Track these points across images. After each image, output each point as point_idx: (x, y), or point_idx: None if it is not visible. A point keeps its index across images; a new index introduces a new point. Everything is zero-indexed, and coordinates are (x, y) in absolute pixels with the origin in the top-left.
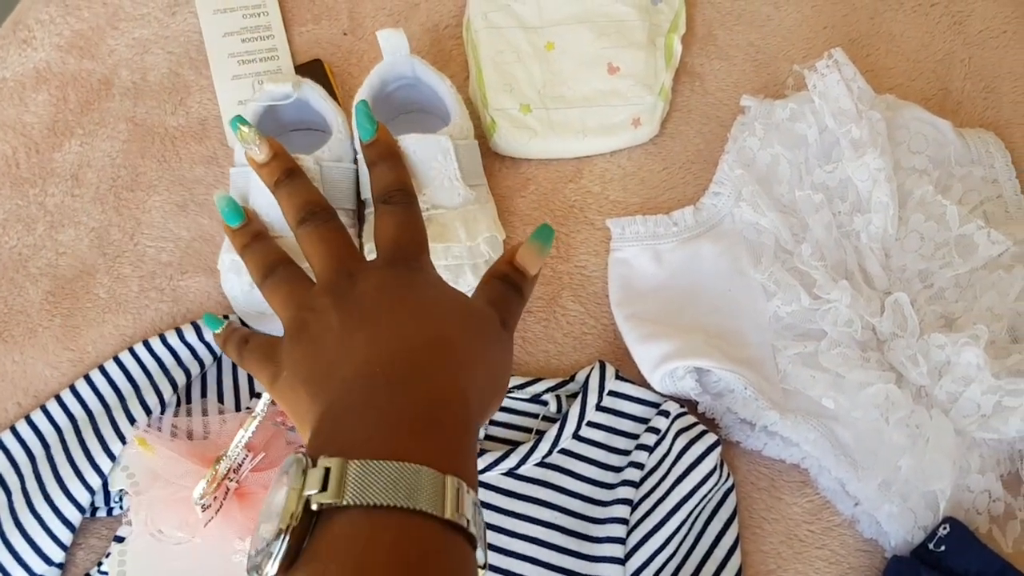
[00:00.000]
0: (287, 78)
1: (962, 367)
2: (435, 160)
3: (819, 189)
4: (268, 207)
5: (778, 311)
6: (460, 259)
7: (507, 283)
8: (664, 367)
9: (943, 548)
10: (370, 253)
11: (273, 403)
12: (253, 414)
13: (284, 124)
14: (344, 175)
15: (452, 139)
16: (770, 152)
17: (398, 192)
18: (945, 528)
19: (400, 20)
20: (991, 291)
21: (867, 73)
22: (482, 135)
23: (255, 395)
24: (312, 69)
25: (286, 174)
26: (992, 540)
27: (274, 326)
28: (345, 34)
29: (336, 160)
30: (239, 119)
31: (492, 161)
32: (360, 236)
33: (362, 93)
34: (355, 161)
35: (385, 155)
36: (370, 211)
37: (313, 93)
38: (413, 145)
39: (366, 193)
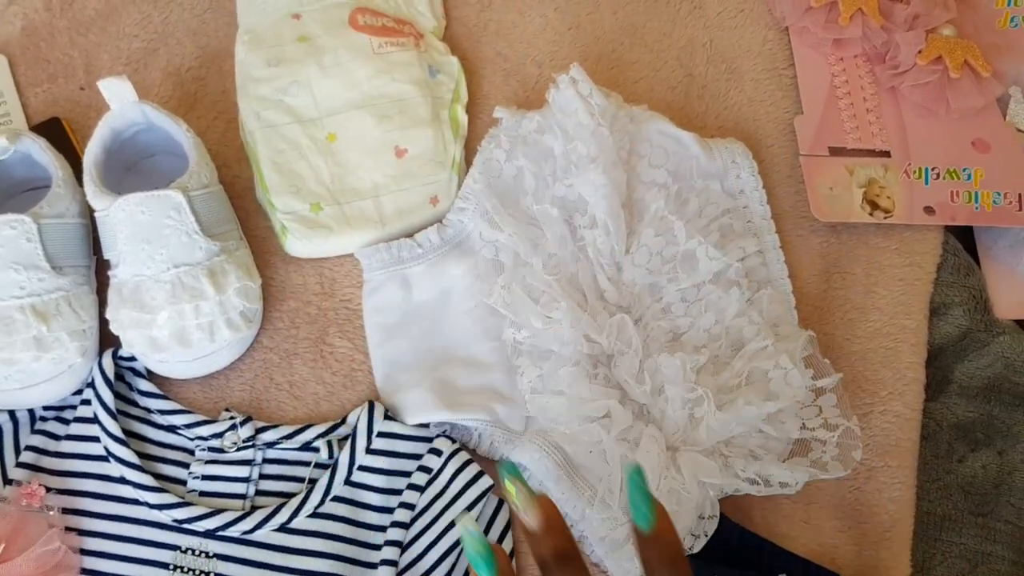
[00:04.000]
0: (2, 131)
1: (668, 384)
2: (167, 218)
3: (558, 203)
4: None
5: (515, 336)
6: (211, 315)
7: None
8: (413, 419)
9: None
10: (113, 322)
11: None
12: None
13: (14, 184)
14: (67, 231)
15: (186, 191)
16: (515, 164)
17: None
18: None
19: (139, 67)
20: (711, 311)
21: (613, 69)
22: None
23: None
24: (50, 128)
25: (556, 558)
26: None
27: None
28: (83, 88)
29: (57, 216)
30: (511, 468)
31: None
32: (96, 295)
33: (93, 145)
34: (83, 215)
35: (668, 560)
36: (112, 272)
37: (34, 145)
38: (139, 205)
39: (109, 253)
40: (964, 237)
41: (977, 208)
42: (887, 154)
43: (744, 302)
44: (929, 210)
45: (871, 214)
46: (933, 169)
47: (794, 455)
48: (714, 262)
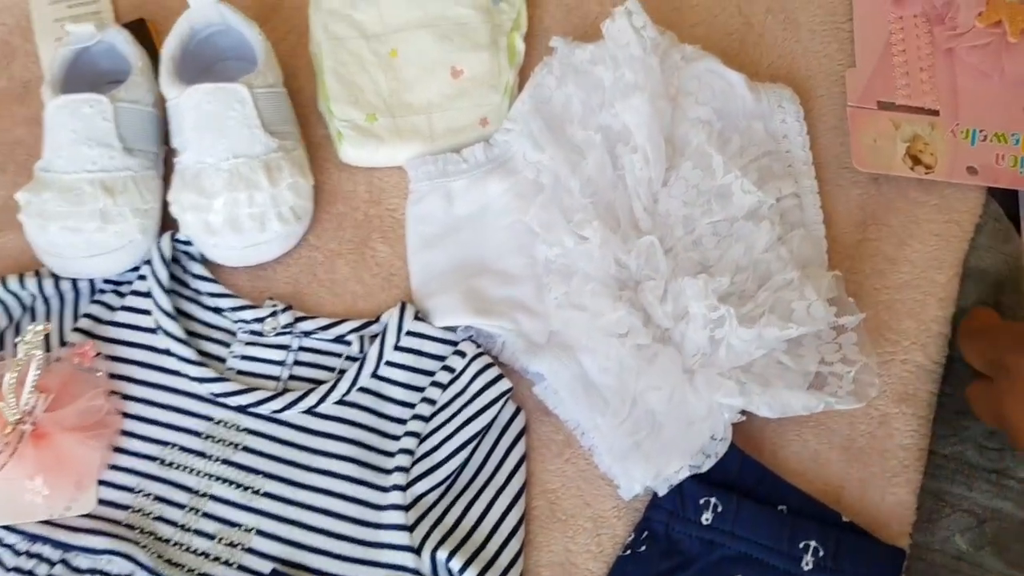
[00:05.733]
0: (90, 22)
1: (691, 302)
2: (231, 109)
3: (603, 131)
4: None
5: (547, 254)
6: (263, 206)
7: None
8: (442, 321)
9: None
10: (173, 204)
11: (66, 344)
12: (17, 359)
13: (99, 74)
14: (140, 116)
15: (251, 87)
16: (565, 92)
17: None
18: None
19: None
20: (741, 243)
21: (674, 11)
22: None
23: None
24: (136, 28)
25: None
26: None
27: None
28: None
29: (132, 101)
30: None
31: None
32: (161, 180)
33: (171, 39)
34: (157, 105)
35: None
36: (177, 159)
37: (119, 36)
38: (207, 95)
39: (176, 140)
40: (1008, 205)
41: (1022, 172)
42: (936, 112)
43: (775, 238)
44: (972, 170)
45: (912, 168)
46: (981, 131)
47: (811, 388)
48: (748, 196)
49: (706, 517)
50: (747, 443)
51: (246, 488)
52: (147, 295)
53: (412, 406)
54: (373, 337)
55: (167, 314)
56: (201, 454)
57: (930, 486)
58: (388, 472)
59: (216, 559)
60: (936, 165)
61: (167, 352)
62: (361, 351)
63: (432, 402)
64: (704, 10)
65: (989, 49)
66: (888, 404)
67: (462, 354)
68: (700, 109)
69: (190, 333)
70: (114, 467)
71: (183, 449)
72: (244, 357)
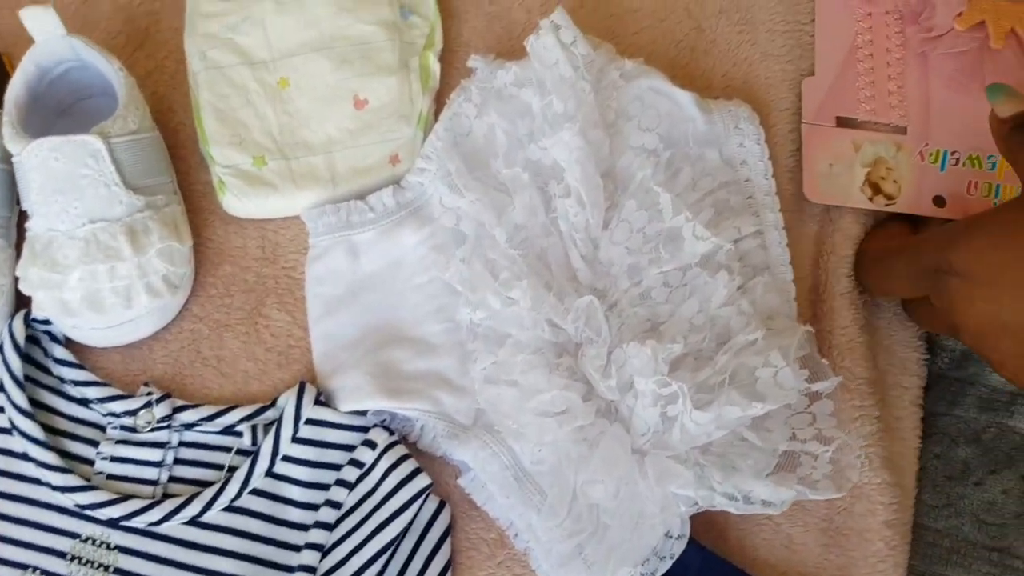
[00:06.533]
0: None
1: (637, 377)
2: (84, 166)
3: (532, 167)
4: None
5: (471, 317)
6: (128, 279)
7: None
8: (347, 406)
9: None
10: (22, 281)
11: None
12: None
13: None
14: None
15: (108, 137)
16: (487, 121)
17: None
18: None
19: None
20: (695, 297)
21: (612, 17)
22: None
23: None
24: None
25: None
26: None
27: None
28: None
29: None
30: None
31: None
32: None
33: (16, 83)
34: (5, 160)
35: None
36: (27, 224)
37: None
38: (53, 151)
39: (24, 203)
40: None
41: (995, 203)
42: (903, 131)
43: (734, 289)
44: (939, 200)
45: (871, 199)
46: (953, 153)
47: (780, 469)
48: (702, 243)
49: None
50: (709, 531)
51: None
52: None
53: (315, 509)
54: (268, 426)
55: (21, 411)
56: None
57: (921, 569)
58: None
59: None
60: (899, 195)
61: (24, 456)
62: (254, 444)
63: (338, 506)
64: (647, 15)
65: (968, 56)
66: (864, 471)
67: (372, 445)
68: (644, 136)
69: (53, 431)
70: None
71: (44, 573)
72: (115, 459)
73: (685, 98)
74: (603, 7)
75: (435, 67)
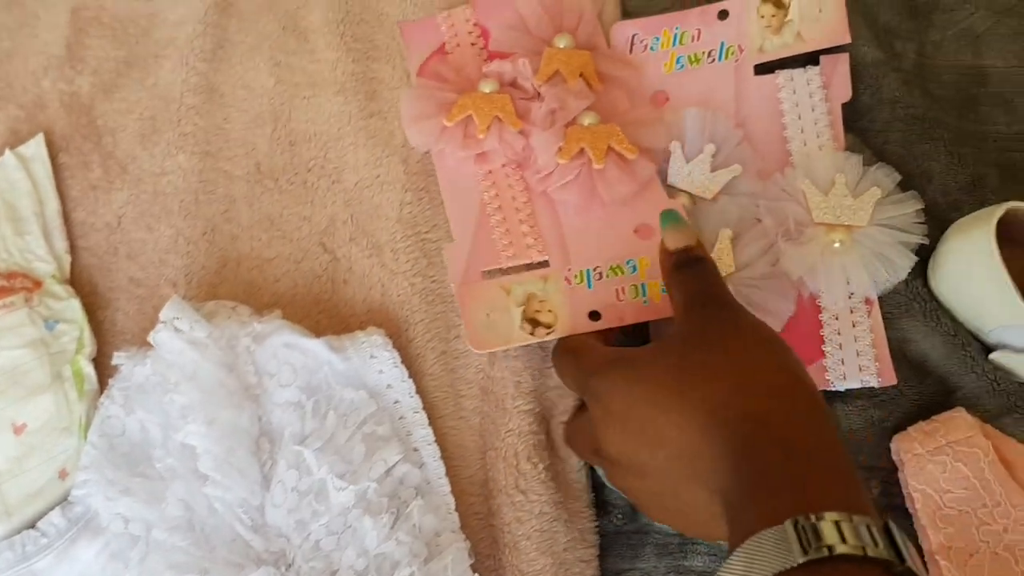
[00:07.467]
0: None
1: None
2: None
3: (185, 451)
4: None
5: None
6: None
7: (685, 265)
8: None
9: None
10: None
11: None
12: None
13: None
14: None
15: None
16: (137, 418)
17: None
18: None
19: None
20: (350, 547)
21: (254, 270)
22: None
23: None
24: None
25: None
26: None
27: None
28: None
29: None
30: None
31: None
32: None
33: None
34: None
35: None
36: None
37: None
38: None
39: None
40: None
41: (645, 302)
42: (545, 264)
43: (388, 526)
44: (595, 315)
45: (532, 333)
46: (595, 270)
47: None
48: (343, 493)
49: None
50: None
51: None
52: None
53: None
54: None
55: None
56: None
57: None
58: None
59: None
60: (557, 322)
61: None
62: None
63: None
64: (285, 259)
65: (577, 183)
66: None
67: None
68: (285, 391)
69: None
70: None
71: None
72: None
73: (314, 346)
74: (246, 261)
75: (88, 370)
